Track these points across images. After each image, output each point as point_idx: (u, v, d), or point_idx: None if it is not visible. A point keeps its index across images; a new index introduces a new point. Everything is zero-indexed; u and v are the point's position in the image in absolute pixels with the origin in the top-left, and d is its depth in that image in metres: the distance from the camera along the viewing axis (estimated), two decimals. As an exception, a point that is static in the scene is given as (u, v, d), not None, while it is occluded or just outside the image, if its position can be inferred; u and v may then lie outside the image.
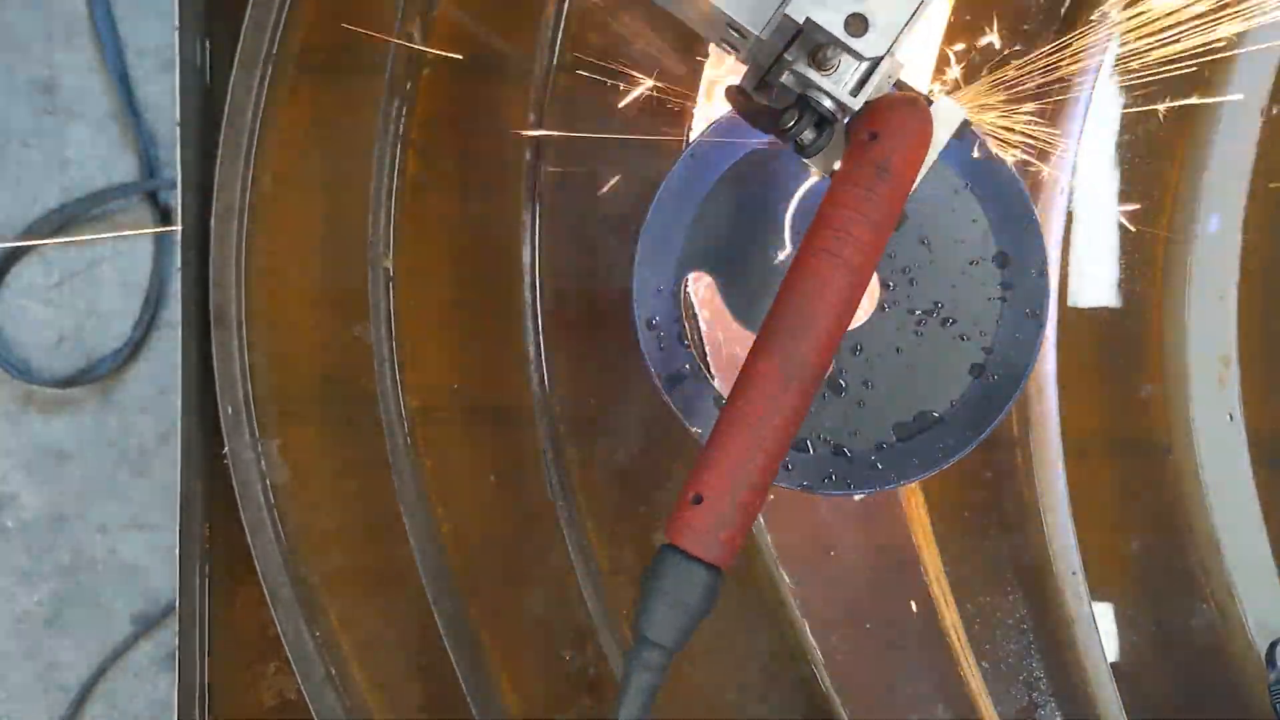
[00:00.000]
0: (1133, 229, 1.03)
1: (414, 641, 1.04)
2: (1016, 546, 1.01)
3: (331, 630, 1.04)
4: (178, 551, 1.00)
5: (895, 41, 0.65)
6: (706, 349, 0.93)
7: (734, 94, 0.75)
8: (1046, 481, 0.98)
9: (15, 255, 1.26)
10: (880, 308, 0.91)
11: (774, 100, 0.74)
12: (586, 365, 1.03)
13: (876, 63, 0.67)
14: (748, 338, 0.91)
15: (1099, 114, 1.02)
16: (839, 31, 0.64)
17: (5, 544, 1.27)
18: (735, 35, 0.68)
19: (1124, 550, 1.02)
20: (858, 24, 0.64)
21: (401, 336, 1.04)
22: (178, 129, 1.01)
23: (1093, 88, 0.94)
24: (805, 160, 0.75)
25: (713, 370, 0.92)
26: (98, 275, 1.27)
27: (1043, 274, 0.88)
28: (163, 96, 1.27)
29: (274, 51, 1.05)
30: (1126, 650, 1.01)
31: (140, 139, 1.26)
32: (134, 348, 1.26)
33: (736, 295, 0.90)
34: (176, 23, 1.01)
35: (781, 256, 0.91)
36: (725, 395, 0.92)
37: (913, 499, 0.97)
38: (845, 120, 0.71)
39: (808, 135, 0.71)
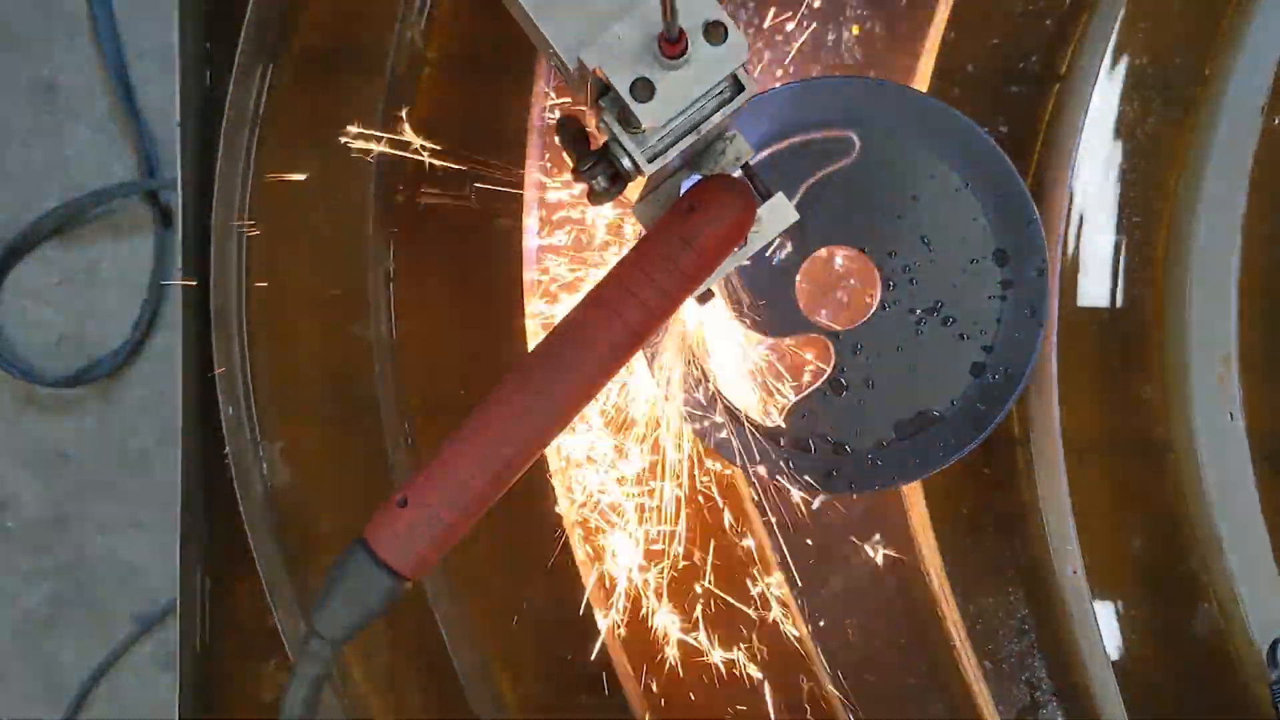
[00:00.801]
0: (1133, 228, 1.03)
1: (414, 641, 1.04)
2: (1017, 546, 1.01)
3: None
4: (178, 551, 1.00)
5: (675, 119, 0.64)
6: (706, 344, 0.93)
7: (565, 121, 0.75)
8: (1047, 481, 0.98)
9: (16, 255, 1.26)
10: (881, 306, 0.91)
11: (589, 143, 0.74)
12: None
13: (667, 134, 0.66)
14: (745, 336, 0.91)
15: (1098, 114, 1.02)
16: (624, 91, 0.63)
17: (6, 544, 1.27)
18: (559, 63, 0.68)
19: (1125, 549, 1.02)
20: (644, 89, 0.63)
21: (402, 336, 1.04)
22: (178, 129, 1.01)
23: (1092, 88, 0.94)
24: (617, 205, 0.74)
25: (713, 368, 0.92)
26: (98, 275, 1.27)
27: (1043, 273, 0.89)
28: (163, 96, 1.27)
29: (274, 52, 1.05)
30: (1128, 649, 1.01)
31: (140, 139, 1.26)
32: (134, 348, 1.26)
33: (738, 293, 0.90)
34: (176, 23, 1.01)
35: (781, 256, 0.91)
36: (725, 395, 0.92)
37: (913, 498, 0.97)
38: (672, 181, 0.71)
39: (600, 183, 0.71)
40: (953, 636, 0.98)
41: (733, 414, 0.91)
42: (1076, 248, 1.02)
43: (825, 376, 0.91)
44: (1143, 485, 1.02)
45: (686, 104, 0.64)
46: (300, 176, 1.07)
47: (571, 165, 0.72)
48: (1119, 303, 1.03)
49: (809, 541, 1.01)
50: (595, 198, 0.72)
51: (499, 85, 1.06)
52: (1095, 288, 1.03)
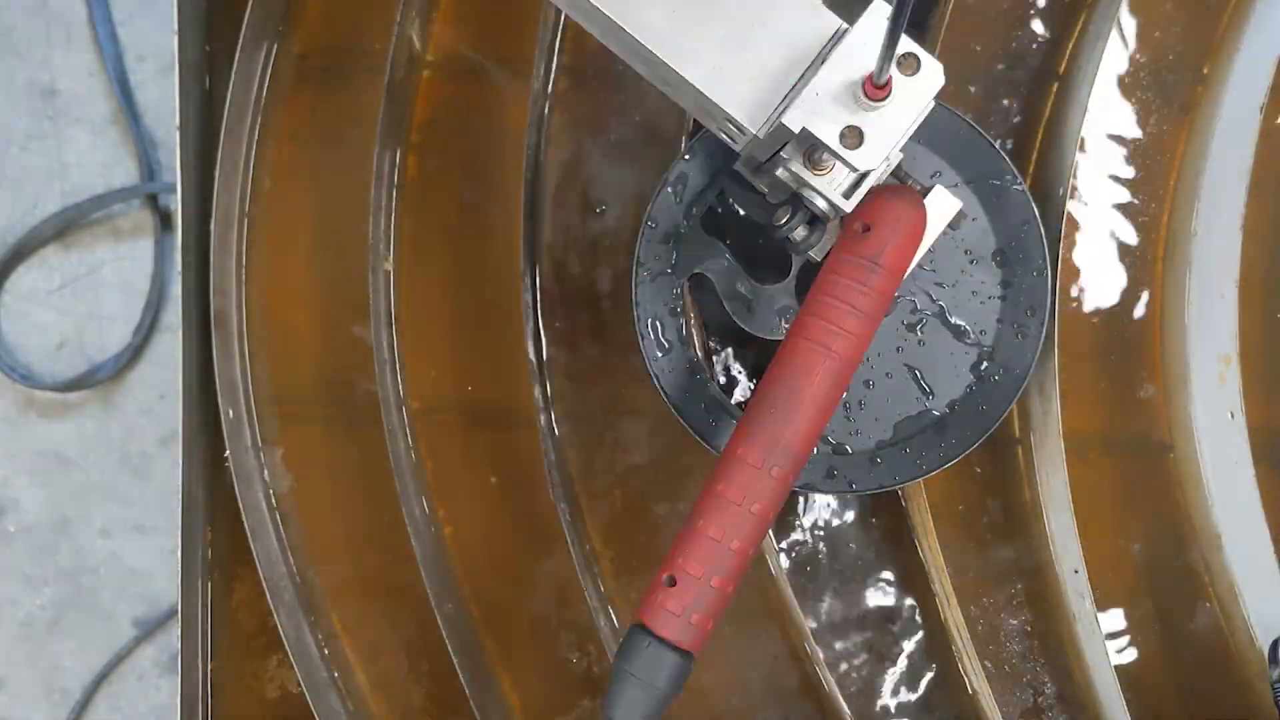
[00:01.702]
0: (1132, 227, 1.03)
1: (416, 643, 1.04)
2: (1018, 546, 1.01)
3: (334, 633, 1.05)
4: (180, 555, 1.01)
5: (890, 153, 0.65)
6: (708, 346, 0.93)
7: (733, 179, 0.76)
8: (1047, 481, 0.98)
9: (16, 259, 1.26)
10: (880, 307, 0.90)
11: (769, 191, 0.75)
12: (587, 365, 1.03)
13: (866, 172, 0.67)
14: (748, 338, 0.91)
15: (1097, 112, 1.02)
16: (834, 143, 0.64)
17: (7, 548, 1.27)
18: (734, 129, 0.68)
19: (1126, 549, 1.02)
20: (853, 136, 0.64)
21: (402, 338, 1.04)
22: (177, 132, 1.01)
23: (1090, 86, 0.94)
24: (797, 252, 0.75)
25: (714, 370, 0.93)
26: (99, 279, 1.27)
27: (1042, 273, 0.89)
28: (163, 100, 1.27)
29: (274, 54, 1.05)
30: (1128, 648, 1.01)
31: (140, 142, 1.26)
32: (135, 351, 1.26)
33: (740, 295, 0.90)
34: (176, 26, 1.01)
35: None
36: (724, 394, 0.92)
37: (913, 498, 0.97)
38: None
39: (799, 233, 0.71)
40: (954, 636, 0.98)
41: (734, 415, 0.91)
42: (1076, 247, 1.02)
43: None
44: (1143, 484, 1.02)
45: (896, 139, 0.64)
46: (299, 178, 1.07)
47: (767, 221, 0.73)
48: (1119, 302, 1.03)
49: (808, 540, 1.01)
50: (798, 248, 0.73)
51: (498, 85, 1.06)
52: (1095, 287, 1.03)
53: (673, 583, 0.67)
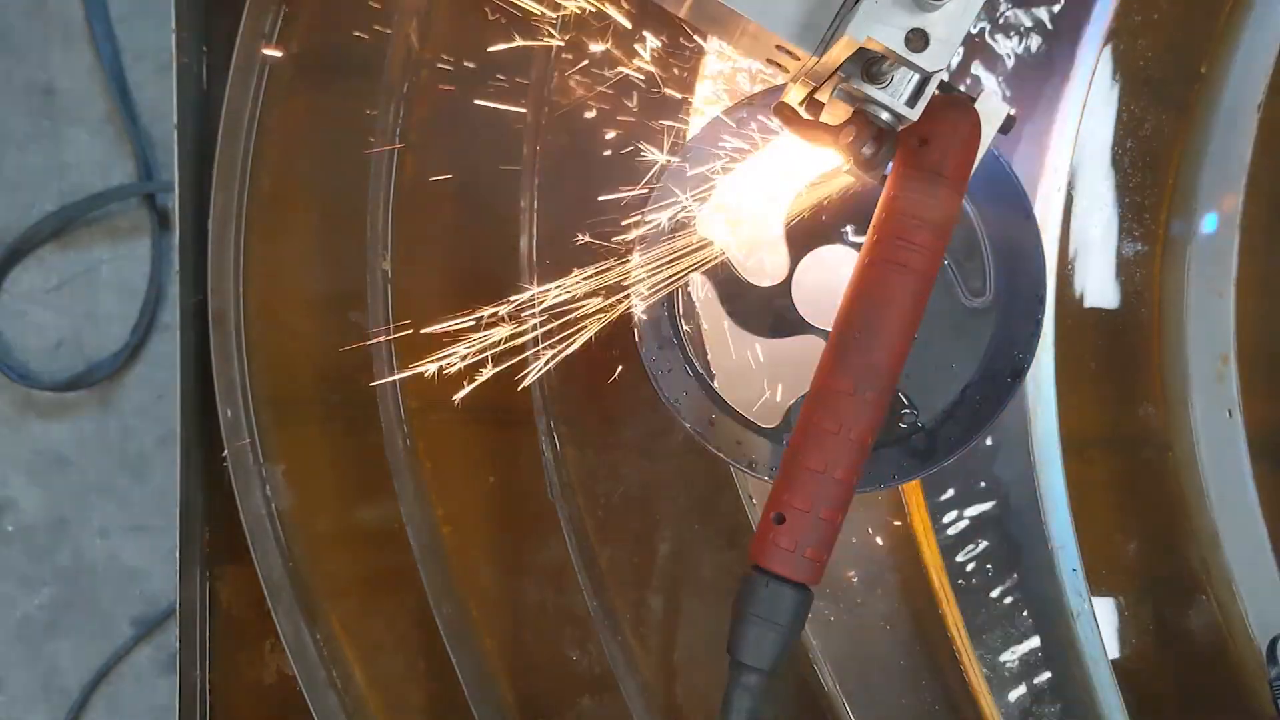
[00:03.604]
0: (1130, 227, 1.03)
1: (415, 642, 1.04)
2: (1017, 544, 1.01)
3: (332, 632, 1.05)
4: (178, 554, 1.00)
5: (954, 53, 0.65)
6: (706, 348, 0.93)
7: (784, 111, 0.75)
8: (1046, 479, 0.98)
9: (14, 259, 1.26)
10: (879, 306, 0.90)
11: (825, 116, 0.74)
12: (586, 364, 1.03)
13: (934, 74, 0.67)
14: (748, 338, 0.91)
15: (1096, 111, 1.02)
16: (900, 48, 0.64)
17: (5, 548, 1.27)
18: (787, 56, 0.68)
19: (1124, 547, 1.02)
20: (918, 40, 0.63)
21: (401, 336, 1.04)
22: (175, 132, 1.01)
23: (1089, 85, 0.94)
24: (859, 172, 0.74)
25: (713, 369, 0.92)
26: (96, 278, 1.27)
27: (1041, 272, 0.88)
28: (160, 99, 1.27)
29: (271, 53, 1.05)
30: (1127, 647, 1.01)
31: (138, 142, 1.26)
32: (132, 351, 1.26)
33: (737, 293, 0.90)
34: (174, 25, 1.01)
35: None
36: (723, 393, 0.92)
37: (912, 497, 0.97)
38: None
39: (868, 149, 0.71)
40: (953, 634, 0.98)
41: (732, 414, 0.91)
42: (1074, 246, 1.02)
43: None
44: (1142, 483, 1.02)
45: (960, 35, 0.64)
46: (299, 177, 1.07)
47: (833, 143, 0.71)
48: (1117, 301, 1.03)
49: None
50: (868, 166, 0.71)
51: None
52: (1094, 286, 1.03)
53: (781, 520, 0.66)
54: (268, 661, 1.07)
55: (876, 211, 0.70)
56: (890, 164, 0.74)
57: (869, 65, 0.67)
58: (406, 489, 1.00)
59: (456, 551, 1.04)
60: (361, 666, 1.04)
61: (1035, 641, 1.01)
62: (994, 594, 1.02)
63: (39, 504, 1.27)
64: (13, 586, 1.27)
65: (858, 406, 0.67)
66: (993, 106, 0.75)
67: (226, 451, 1.02)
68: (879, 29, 0.63)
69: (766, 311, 0.90)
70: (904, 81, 0.67)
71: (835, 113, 0.72)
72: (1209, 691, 1.00)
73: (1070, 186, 0.96)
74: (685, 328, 0.91)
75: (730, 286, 0.90)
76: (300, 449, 1.06)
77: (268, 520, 1.04)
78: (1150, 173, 1.03)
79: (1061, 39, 1.02)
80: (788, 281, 0.90)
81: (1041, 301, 0.88)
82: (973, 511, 1.02)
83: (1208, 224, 0.98)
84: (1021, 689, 1.01)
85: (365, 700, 1.04)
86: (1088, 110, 0.94)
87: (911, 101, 0.68)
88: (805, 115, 0.75)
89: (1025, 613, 1.01)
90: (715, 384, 0.92)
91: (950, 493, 1.02)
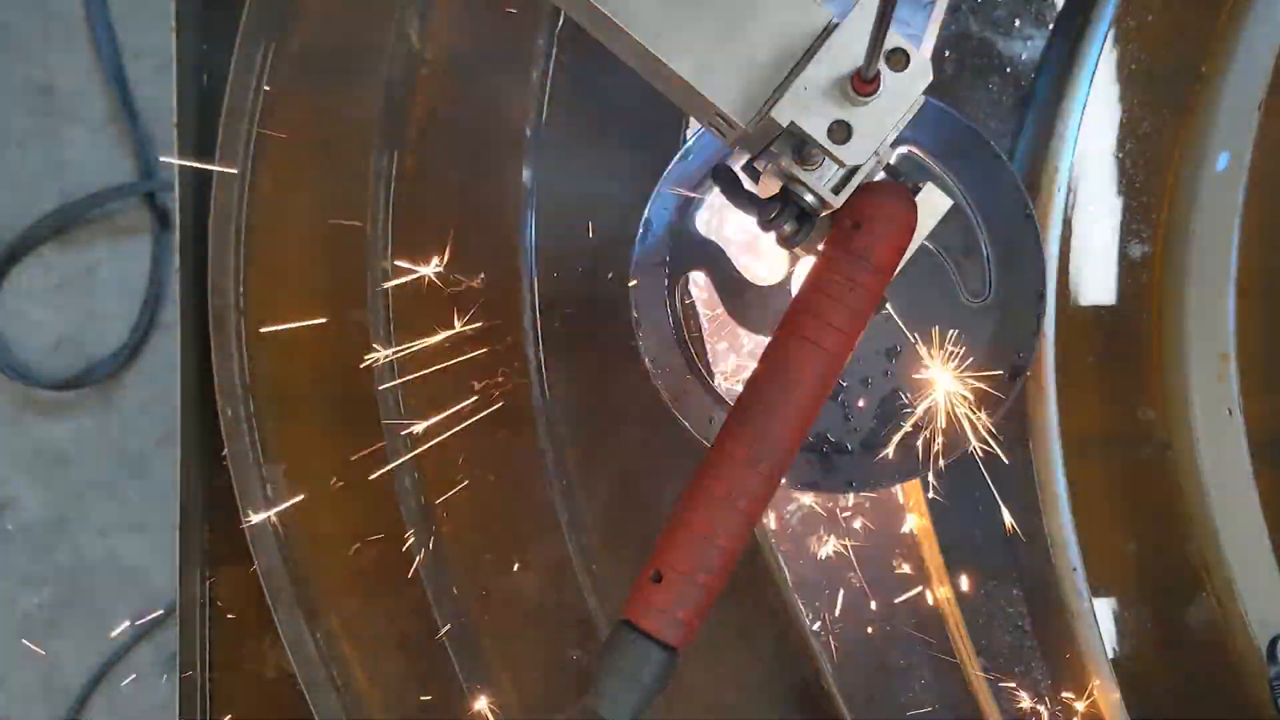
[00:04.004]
0: (1131, 226, 1.03)
1: (415, 642, 1.04)
2: (1017, 543, 1.01)
3: (332, 631, 1.04)
4: (178, 553, 1.00)
5: (878, 148, 0.65)
6: (705, 344, 0.93)
7: (721, 173, 0.76)
8: (1046, 478, 0.98)
9: (14, 258, 1.26)
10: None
11: (759, 185, 0.75)
12: (586, 364, 1.03)
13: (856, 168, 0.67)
14: (745, 335, 0.91)
15: (1096, 111, 1.02)
16: (822, 138, 0.64)
17: (6, 546, 1.27)
18: (723, 123, 0.69)
19: (1124, 546, 1.02)
20: (840, 131, 0.64)
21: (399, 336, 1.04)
22: (175, 130, 1.01)
23: (1089, 85, 0.94)
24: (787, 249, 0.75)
25: (712, 368, 0.92)
26: (96, 277, 1.27)
27: (1041, 272, 0.88)
28: (160, 98, 1.27)
29: (271, 52, 1.05)
30: (1127, 645, 1.01)
31: (138, 141, 1.26)
32: (133, 350, 1.26)
33: (736, 291, 0.90)
34: (174, 24, 1.01)
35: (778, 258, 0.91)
36: (724, 394, 0.92)
37: (912, 496, 0.97)
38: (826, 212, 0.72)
39: (788, 228, 0.71)
40: (953, 633, 0.98)
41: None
42: (1074, 246, 1.02)
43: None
44: (1142, 481, 1.02)
45: (884, 135, 0.64)
46: (299, 177, 1.07)
47: (756, 220, 0.72)
48: (1118, 300, 1.03)
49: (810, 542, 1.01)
50: (787, 242, 0.73)
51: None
52: (1094, 286, 1.03)
53: (659, 579, 0.66)
54: (267, 659, 1.07)
55: (802, 283, 0.70)
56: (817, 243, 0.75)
57: (800, 146, 0.67)
58: (406, 488, 1.00)
59: (456, 551, 1.04)
60: (361, 666, 1.04)
61: (1035, 641, 1.01)
62: (994, 594, 1.02)
63: (39, 503, 1.27)
64: (13, 585, 1.27)
65: (750, 477, 0.67)
66: (934, 200, 0.75)
67: (227, 450, 1.02)
68: (804, 115, 0.64)
69: (766, 310, 0.90)
70: (832, 167, 0.68)
71: (768, 185, 0.73)
72: (1208, 689, 1.00)
73: (1071, 186, 0.96)
74: (685, 327, 0.91)
75: (730, 285, 0.90)
76: (301, 447, 1.06)
77: (268, 519, 1.04)
78: (1150, 173, 1.03)
79: (1062, 39, 1.02)
80: (788, 280, 0.90)
81: (1042, 300, 0.88)
82: (973, 511, 1.02)
83: (1207, 222, 0.98)
84: (1021, 689, 1.01)
85: (365, 699, 1.04)
86: (1088, 110, 0.94)
87: (837, 189, 0.68)
88: (746, 179, 0.75)
89: (1025, 612, 1.01)
90: (715, 383, 0.92)
91: (950, 493, 1.01)
